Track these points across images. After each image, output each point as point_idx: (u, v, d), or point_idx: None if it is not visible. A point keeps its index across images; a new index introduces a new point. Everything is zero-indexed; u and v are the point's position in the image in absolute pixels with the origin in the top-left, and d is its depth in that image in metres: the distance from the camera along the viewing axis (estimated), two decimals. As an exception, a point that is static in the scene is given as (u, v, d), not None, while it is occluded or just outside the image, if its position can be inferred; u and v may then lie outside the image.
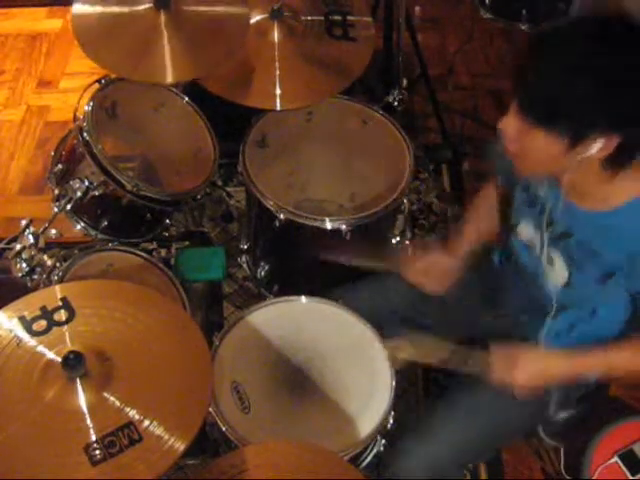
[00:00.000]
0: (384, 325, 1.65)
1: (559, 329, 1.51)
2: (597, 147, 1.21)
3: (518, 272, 1.55)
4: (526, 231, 1.47)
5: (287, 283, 2.04)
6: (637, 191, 1.28)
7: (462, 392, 1.57)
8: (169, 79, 1.76)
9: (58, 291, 1.37)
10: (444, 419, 1.56)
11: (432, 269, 1.65)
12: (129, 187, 1.79)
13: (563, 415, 1.58)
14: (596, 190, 1.30)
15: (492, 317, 1.68)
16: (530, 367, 1.44)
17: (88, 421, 1.19)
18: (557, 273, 1.43)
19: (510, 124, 1.26)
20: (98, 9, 1.78)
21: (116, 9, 1.78)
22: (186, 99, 2.01)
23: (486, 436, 1.57)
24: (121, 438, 1.18)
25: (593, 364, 1.46)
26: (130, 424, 1.19)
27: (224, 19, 1.82)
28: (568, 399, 1.57)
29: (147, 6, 1.76)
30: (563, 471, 1.66)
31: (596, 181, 1.29)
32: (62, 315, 1.32)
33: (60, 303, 1.34)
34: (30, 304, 1.34)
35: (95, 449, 1.16)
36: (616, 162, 1.24)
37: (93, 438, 1.18)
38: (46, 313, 1.32)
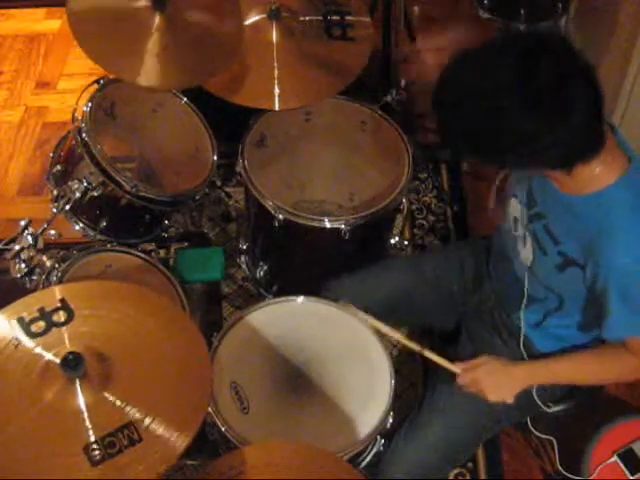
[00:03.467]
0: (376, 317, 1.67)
1: (537, 319, 1.53)
2: None
3: (504, 254, 1.57)
4: (514, 207, 1.49)
5: (286, 283, 2.04)
6: (610, 179, 1.28)
7: (446, 387, 1.58)
8: (145, 82, 1.70)
9: (57, 292, 1.37)
10: (429, 416, 1.57)
11: None
12: (128, 188, 1.79)
13: (554, 409, 1.59)
14: (569, 181, 1.30)
15: (477, 302, 1.69)
16: (498, 387, 1.47)
17: (87, 422, 1.19)
18: (526, 254, 1.46)
19: None
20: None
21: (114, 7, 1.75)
22: (185, 99, 2.01)
23: (472, 430, 1.59)
24: (121, 438, 1.17)
25: (541, 372, 1.49)
26: (130, 424, 1.19)
27: (218, 32, 1.79)
28: (553, 393, 1.58)
29: (144, 4, 1.74)
30: (559, 466, 1.67)
31: (563, 176, 1.29)
32: (61, 316, 1.32)
33: (59, 304, 1.33)
34: (29, 305, 1.34)
35: (95, 449, 1.16)
36: (563, 168, 1.25)
37: (93, 438, 1.17)
38: (45, 314, 1.32)
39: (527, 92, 1.14)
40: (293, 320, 1.64)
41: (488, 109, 1.17)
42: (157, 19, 1.72)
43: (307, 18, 1.93)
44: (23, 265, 1.70)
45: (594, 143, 1.23)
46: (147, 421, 1.20)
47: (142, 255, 1.80)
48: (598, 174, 1.28)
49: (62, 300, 1.34)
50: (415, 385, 2.09)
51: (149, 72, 1.69)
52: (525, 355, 1.55)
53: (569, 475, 1.65)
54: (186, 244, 2.00)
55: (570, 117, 1.15)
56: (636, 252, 1.26)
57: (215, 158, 1.98)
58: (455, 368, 1.51)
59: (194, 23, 1.77)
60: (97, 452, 1.16)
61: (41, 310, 1.32)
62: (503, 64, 1.15)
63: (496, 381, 1.48)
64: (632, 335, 1.36)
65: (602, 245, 1.28)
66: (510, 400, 1.47)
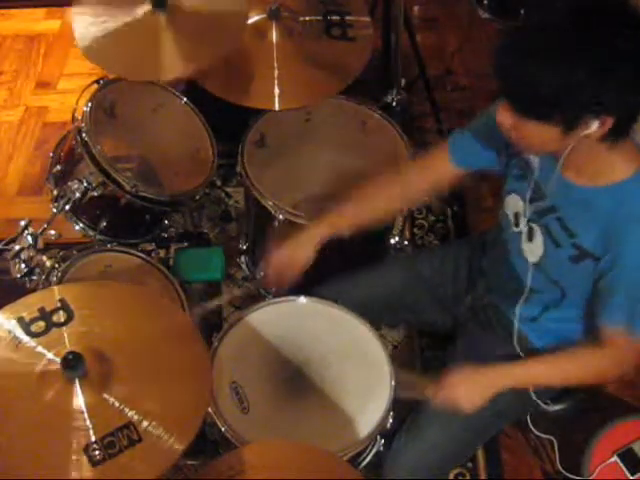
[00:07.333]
0: (374, 315, 1.66)
1: (533, 314, 1.53)
2: (592, 129, 1.22)
3: (500, 251, 1.57)
4: (514, 203, 1.49)
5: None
6: (628, 172, 1.29)
7: None
8: (173, 75, 1.76)
9: (56, 292, 1.37)
10: (429, 417, 1.57)
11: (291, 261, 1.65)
12: (128, 188, 1.79)
13: (554, 408, 1.59)
14: (591, 165, 1.31)
15: (471, 300, 1.69)
16: (468, 395, 1.46)
17: (87, 421, 1.19)
18: (534, 249, 1.45)
19: (504, 116, 1.28)
20: (98, 16, 1.77)
21: (116, 14, 1.77)
22: (185, 100, 2.01)
23: (472, 429, 1.58)
24: (121, 439, 1.18)
25: (516, 373, 1.48)
26: (129, 424, 1.19)
27: (222, 14, 1.81)
28: (549, 392, 1.58)
29: (146, 9, 1.76)
30: (559, 466, 1.67)
31: (592, 156, 1.29)
32: (61, 316, 1.32)
33: (59, 304, 1.33)
34: (29, 305, 1.34)
35: (95, 449, 1.16)
36: (613, 137, 1.24)
37: (93, 438, 1.17)
38: (45, 314, 1.32)
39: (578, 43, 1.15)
40: (293, 320, 1.64)
41: (551, 75, 1.17)
42: (162, 18, 1.74)
43: (307, 18, 1.93)
44: (23, 265, 1.70)
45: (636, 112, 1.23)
46: (147, 421, 1.20)
47: (142, 255, 1.80)
48: (616, 164, 1.29)
49: (62, 300, 1.34)
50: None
51: (170, 66, 1.74)
52: (519, 351, 1.55)
53: (569, 475, 1.65)
54: (186, 244, 2.00)
55: (615, 71, 1.15)
56: None
57: (215, 158, 1.98)
58: (427, 394, 1.51)
59: (195, 10, 1.79)
60: (97, 452, 1.16)
61: (41, 310, 1.32)
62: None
63: (465, 390, 1.47)
64: (628, 323, 1.34)
65: (620, 236, 1.28)
66: (482, 403, 1.46)
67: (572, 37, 1.16)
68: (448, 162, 1.58)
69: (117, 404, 1.22)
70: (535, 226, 1.44)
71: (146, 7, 1.77)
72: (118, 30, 1.76)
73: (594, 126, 1.21)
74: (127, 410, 1.21)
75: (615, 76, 1.16)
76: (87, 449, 1.16)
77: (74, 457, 1.16)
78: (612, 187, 1.30)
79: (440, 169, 1.61)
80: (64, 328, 1.30)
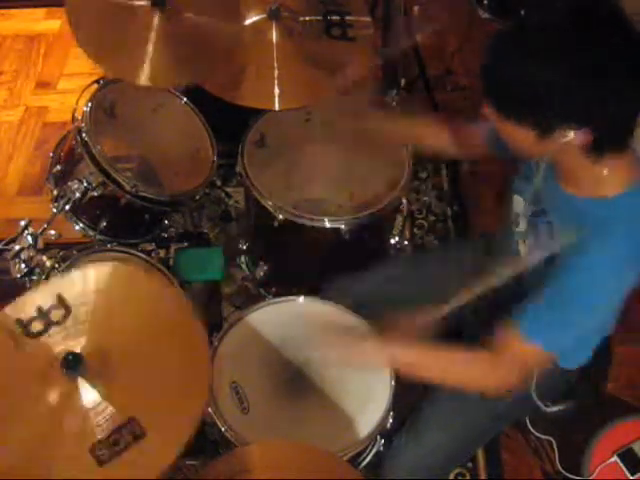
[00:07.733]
0: (374, 315, 1.66)
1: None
2: (568, 138, 1.22)
3: (505, 252, 1.57)
4: (517, 203, 1.49)
5: (286, 283, 2.04)
6: (619, 188, 1.27)
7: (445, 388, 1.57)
8: (143, 81, 1.69)
9: (53, 288, 1.36)
10: (429, 418, 1.57)
11: None
12: (128, 188, 1.79)
13: (553, 409, 1.58)
14: (583, 177, 1.30)
15: (475, 302, 1.69)
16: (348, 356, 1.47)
17: (91, 420, 1.19)
18: (525, 249, 1.46)
19: (488, 114, 1.28)
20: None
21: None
22: (185, 100, 2.01)
23: (472, 430, 1.58)
24: (125, 435, 1.17)
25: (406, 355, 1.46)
26: (133, 420, 1.18)
27: (216, 32, 1.79)
28: (551, 392, 1.58)
29: (144, 2, 1.74)
30: (559, 466, 1.67)
31: (579, 167, 1.28)
32: (58, 314, 1.31)
33: (55, 301, 1.32)
34: (26, 305, 1.33)
35: (101, 449, 1.16)
36: (596, 152, 1.24)
37: (98, 437, 1.17)
38: (42, 313, 1.31)
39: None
40: (293, 320, 1.64)
41: (528, 80, 1.17)
42: (157, 18, 1.71)
43: (307, 18, 1.93)
44: (23, 265, 1.70)
45: (627, 125, 1.22)
46: (150, 415, 1.19)
47: (142, 255, 1.80)
48: (608, 178, 1.27)
49: (59, 296, 1.33)
50: (415, 385, 2.08)
51: (150, 71, 1.69)
52: None
53: (569, 475, 1.65)
54: (186, 244, 2.00)
55: (605, 75, 1.14)
56: (611, 259, 1.25)
57: (215, 158, 1.98)
58: None
59: (193, 21, 1.77)
60: (103, 451, 1.16)
61: (39, 309, 1.31)
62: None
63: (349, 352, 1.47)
64: (539, 340, 1.32)
65: (583, 249, 1.26)
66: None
67: (556, 38, 1.16)
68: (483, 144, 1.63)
69: (120, 400, 1.21)
70: (529, 228, 1.45)
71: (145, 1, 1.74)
72: (111, 15, 1.71)
73: (570, 136, 1.21)
74: (130, 405, 1.20)
75: (602, 82, 1.15)
76: (93, 449, 1.16)
77: (81, 458, 1.15)
78: (605, 201, 1.28)
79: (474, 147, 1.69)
80: (62, 326, 1.29)
